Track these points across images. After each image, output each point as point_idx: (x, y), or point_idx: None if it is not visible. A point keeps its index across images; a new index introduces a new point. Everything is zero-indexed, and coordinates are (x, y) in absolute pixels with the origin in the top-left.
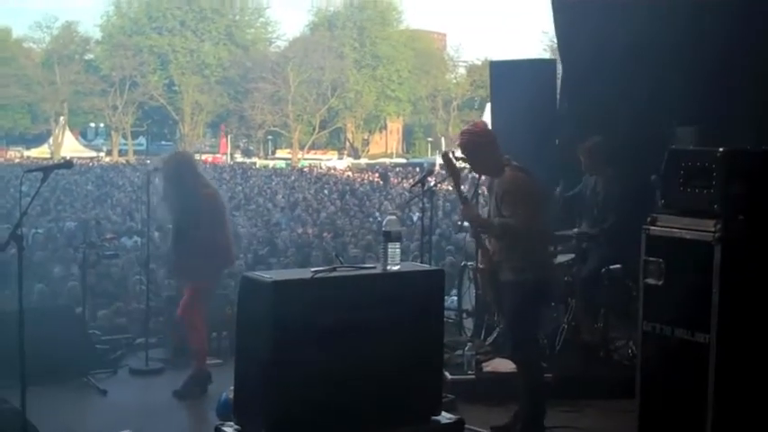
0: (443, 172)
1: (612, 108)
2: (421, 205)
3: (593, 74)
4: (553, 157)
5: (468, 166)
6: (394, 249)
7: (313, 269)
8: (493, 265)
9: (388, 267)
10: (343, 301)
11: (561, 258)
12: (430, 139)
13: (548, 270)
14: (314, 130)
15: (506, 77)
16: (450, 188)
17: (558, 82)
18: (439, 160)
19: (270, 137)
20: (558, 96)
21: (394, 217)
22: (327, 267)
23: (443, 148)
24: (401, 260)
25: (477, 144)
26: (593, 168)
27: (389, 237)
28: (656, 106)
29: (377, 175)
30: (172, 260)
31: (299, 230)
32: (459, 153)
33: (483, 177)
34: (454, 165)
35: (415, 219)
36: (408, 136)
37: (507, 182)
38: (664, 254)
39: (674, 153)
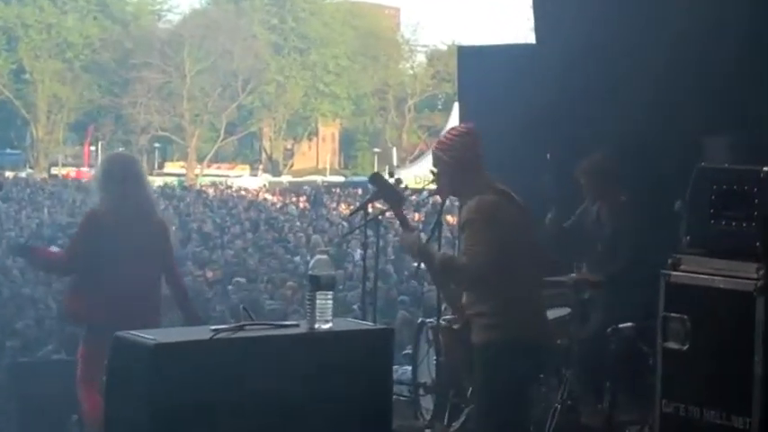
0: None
1: (621, 114)
2: (363, 240)
3: (588, 66)
4: (542, 175)
5: (431, 186)
6: (324, 301)
7: (213, 327)
8: (465, 323)
9: (317, 326)
10: (252, 371)
11: (553, 314)
12: (377, 149)
13: (534, 328)
14: (218, 135)
15: (479, 68)
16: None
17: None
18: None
19: (157, 144)
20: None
21: (325, 256)
22: (232, 325)
23: (395, 163)
24: (335, 315)
25: (465, 157)
26: (598, 193)
27: (318, 283)
28: (680, 110)
29: (304, 198)
30: None
31: (195, 273)
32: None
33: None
34: (390, 186)
35: (356, 258)
36: (348, 145)
37: (470, 208)
38: (689, 308)
39: (702, 173)
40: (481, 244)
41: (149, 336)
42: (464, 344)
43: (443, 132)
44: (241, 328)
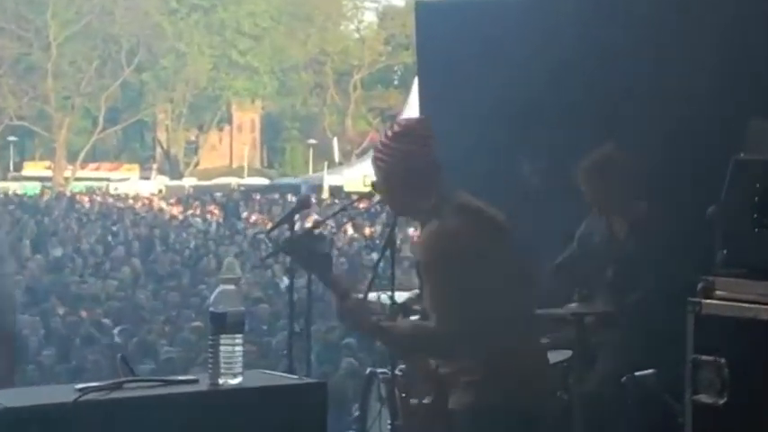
0: (333, 201)
1: (635, 91)
2: (289, 265)
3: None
4: (531, 178)
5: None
6: (231, 347)
7: (80, 386)
8: (438, 383)
9: (221, 380)
10: None
11: (551, 358)
12: (312, 140)
13: (532, 386)
14: (96, 125)
15: (445, 30)
16: (351, 229)
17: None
18: (329, 181)
19: (12, 138)
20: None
21: (231, 286)
22: (106, 383)
23: (336, 158)
24: (251, 366)
25: (412, 167)
26: (607, 201)
27: (222, 323)
28: (714, 92)
29: (213, 207)
30: None
31: (61, 311)
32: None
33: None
34: (311, 253)
35: (282, 287)
36: (272, 136)
37: (427, 243)
38: (726, 349)
39: (741, 166)
40: (452, 296)
41: None
42: (440, 412)
43: (385, 131)
44: (118, 386)
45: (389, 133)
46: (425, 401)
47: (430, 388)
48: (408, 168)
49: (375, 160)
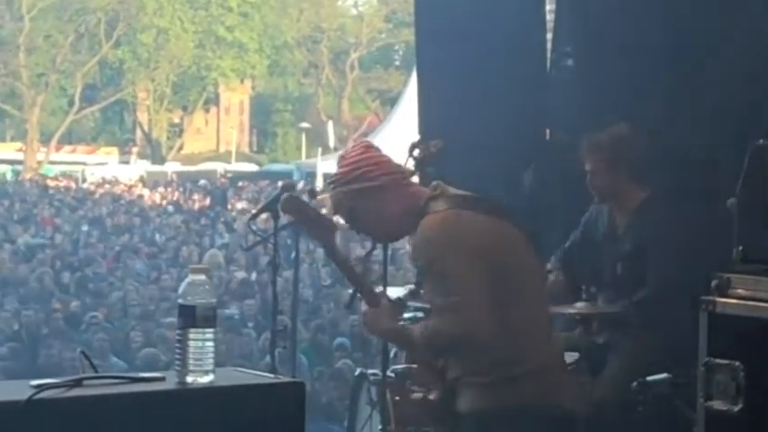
0: (317, 188)
1: (653, 70)
2: (273, 256)
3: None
4: (542, 165)
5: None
6: (201, 342)
7: (35, 382)
8: (446, 388)
9: (190, 379)
10: None
11: None
12: (305, 124)
13: (549, 387)
14: (72, 105)
15: (447, 7)
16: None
17: (551, 16)
18: (324, 168)
19: None
20: (549, 47)
21: (201, 276)
22: (64, 379)
23: (331, 143)
24: (222, 364)
25: (364, 196)
26: (613, 187)
27: (192, 316)
28: (737, 65)
29: (198, 195)
30: None
31: (31, 310)
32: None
33: None
34: (313, 215)
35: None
36: (262, 119)
37: (421, 239)
38: (742, 351)
39: (762, 152)
40: (461, 291)
41: None
42: (441, 416)
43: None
44: (77, 383)
45: (344, 163)
46: (431, 397)
47: (435, 383)
48: (366, 194)
49: (336, 193)
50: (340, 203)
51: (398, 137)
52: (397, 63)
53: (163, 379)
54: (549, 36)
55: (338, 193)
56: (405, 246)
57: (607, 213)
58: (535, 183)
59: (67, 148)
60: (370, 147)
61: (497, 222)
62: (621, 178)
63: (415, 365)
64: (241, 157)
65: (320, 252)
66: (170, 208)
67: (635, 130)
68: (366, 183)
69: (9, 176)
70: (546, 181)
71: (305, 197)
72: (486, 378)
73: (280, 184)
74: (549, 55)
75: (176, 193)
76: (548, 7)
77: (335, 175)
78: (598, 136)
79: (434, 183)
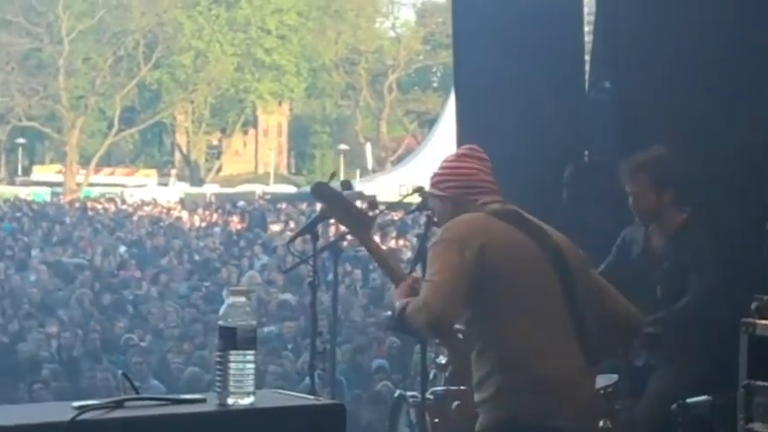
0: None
1: (691, 91)
2: (312, 278)
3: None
4: (579, 185)
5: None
6: (242, 364)
7: (78, 404)
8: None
9: (230, 400)
10: None
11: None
12: (343, 146)
13: (544, 400)
14: (111, 127)
15: (485, 28)
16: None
17: (589, 38)
18: (362, 190)
19: (21, 140)
20: (587, 65)
21: (242, 298)
22: (106, 401)
23: (369, 164)
24: (260, 386)
25: (435, 201)
26: (655, 207)
27: (233, 338)
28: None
29: (236, 217)
30: None
31: (71, 332)
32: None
33: None
34: (343, 202)
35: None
36: (300, 141)
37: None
38: None
39: None
40: (441, 272)
41: None
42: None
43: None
44: (119, 404)
45: (449, 165)
46: (455, 404)
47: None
48: (469, 192)
49: (436, 182)
50: (428, 201)
51: (436, 159)
52: (435, 84)
53: (204, 401)
54: (588, 58)
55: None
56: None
57: (643, 234)
58: (571, 202)
59: (106, 170)
60: (465, 155)
61: (521, 236)
62: (663, 199)
63: (455, 387)
64: (279, 179)
65: (358, 273)
66: (208, 230)
67: (675, 152)
68: (436, 190)
69: (49, 199)
70: (582, 201)
71: (365, 206)
72: (486, 392)
73: (318, 205)
74: (587, 77)
75: (215, 215)
76: (586, 29)
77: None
78: (640, 157)
79: (501, 199)
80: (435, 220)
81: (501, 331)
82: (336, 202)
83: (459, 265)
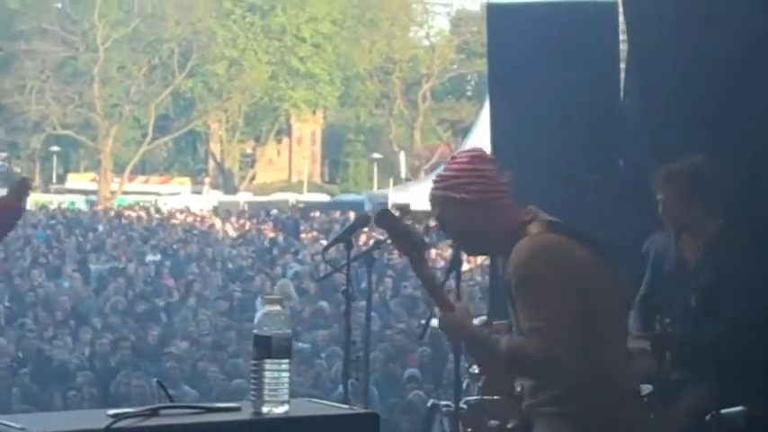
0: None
1: (724, 100)
2: (346, 287)
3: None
4: (613, 195)
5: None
6: (277, 373)
7: (113, 411)
8: (523, 420)
9: (265, 409)
10: None
11: None
12: (377, 155)
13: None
14: (145, 135)
15: (519, 37)
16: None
17: (624, 45)
18: (395, 198)
19: (56, 148)
20: (622, 76)
21: (277, 307)
22: (141, 409)
23: (403, 173)
24: (298, 395)
25: (451, 205)
26: (687, 217)
27: (267, 347)
28: None
29: (270, 225)
30: None
31: (105, 339)
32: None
33: None
34: (406, 230)
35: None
36: (334, 149)
37: (520, 257)
38: None
39: None
40: (552, 316)
41: (17, 424)
42: None
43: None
44: (154, 412)
45: (455, 162)
46: (509, 426)
47: (512, 411)
48: (475, 202)
49: (438, 191)
50: (433, 205)
51: None
52: (470, 93)
53: (239, 409)
54: (623, 66)
55: (431, 195)
56: (474, 278)
57: (675, 245)
58: (603, 210)
59: (140, 178)
60: (476, 157)
61: (588, 250)
62: (695, 209)
63: (488, 397)
64: (313, 188)
65: (389, 282)
66: (242, 238)
67: (709, 162)
68: (452, 193)
69: (83, 206)
70: (616, 209)
71: (397, 213)
72: (564, 407)
73: (352, 214)
74: (622, 84)
75: (248, 224)
76: (621, 37)
77: (437, 176)
78: (674, 166)
79: (529, 207)
80: (445, 227)
81: (583, 347)
82: (398, 229)
83: (563, 304)
